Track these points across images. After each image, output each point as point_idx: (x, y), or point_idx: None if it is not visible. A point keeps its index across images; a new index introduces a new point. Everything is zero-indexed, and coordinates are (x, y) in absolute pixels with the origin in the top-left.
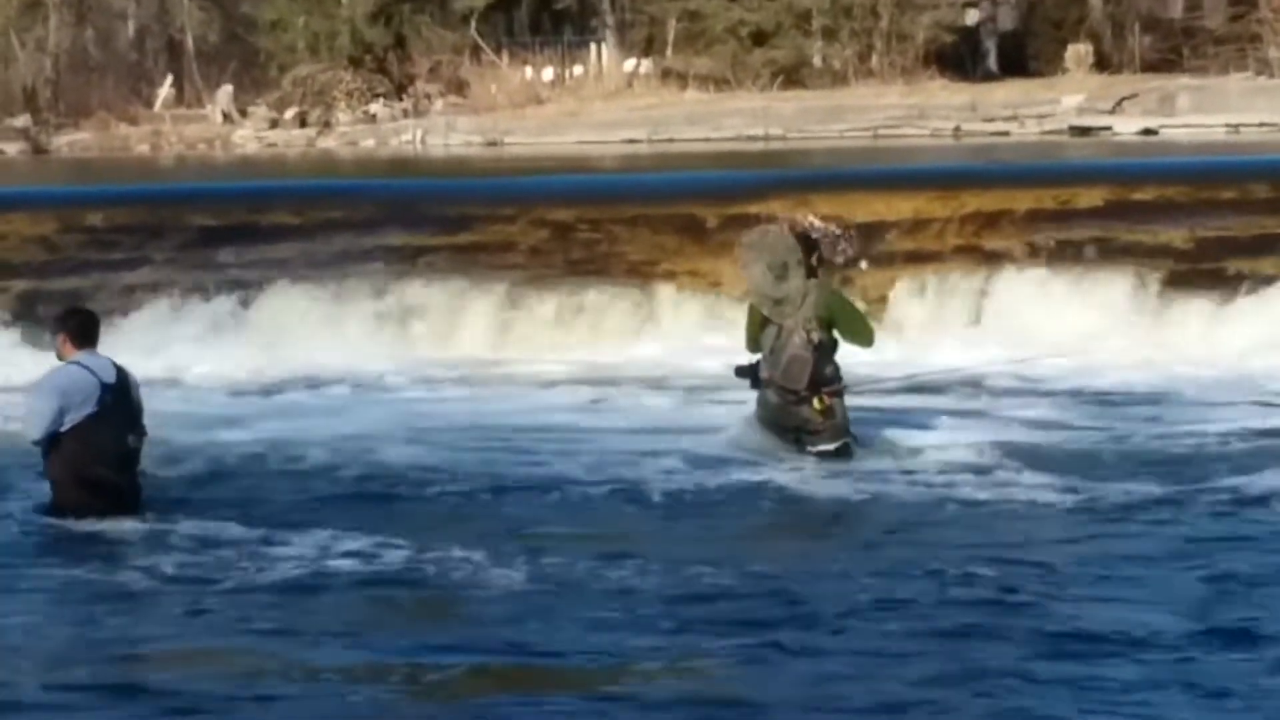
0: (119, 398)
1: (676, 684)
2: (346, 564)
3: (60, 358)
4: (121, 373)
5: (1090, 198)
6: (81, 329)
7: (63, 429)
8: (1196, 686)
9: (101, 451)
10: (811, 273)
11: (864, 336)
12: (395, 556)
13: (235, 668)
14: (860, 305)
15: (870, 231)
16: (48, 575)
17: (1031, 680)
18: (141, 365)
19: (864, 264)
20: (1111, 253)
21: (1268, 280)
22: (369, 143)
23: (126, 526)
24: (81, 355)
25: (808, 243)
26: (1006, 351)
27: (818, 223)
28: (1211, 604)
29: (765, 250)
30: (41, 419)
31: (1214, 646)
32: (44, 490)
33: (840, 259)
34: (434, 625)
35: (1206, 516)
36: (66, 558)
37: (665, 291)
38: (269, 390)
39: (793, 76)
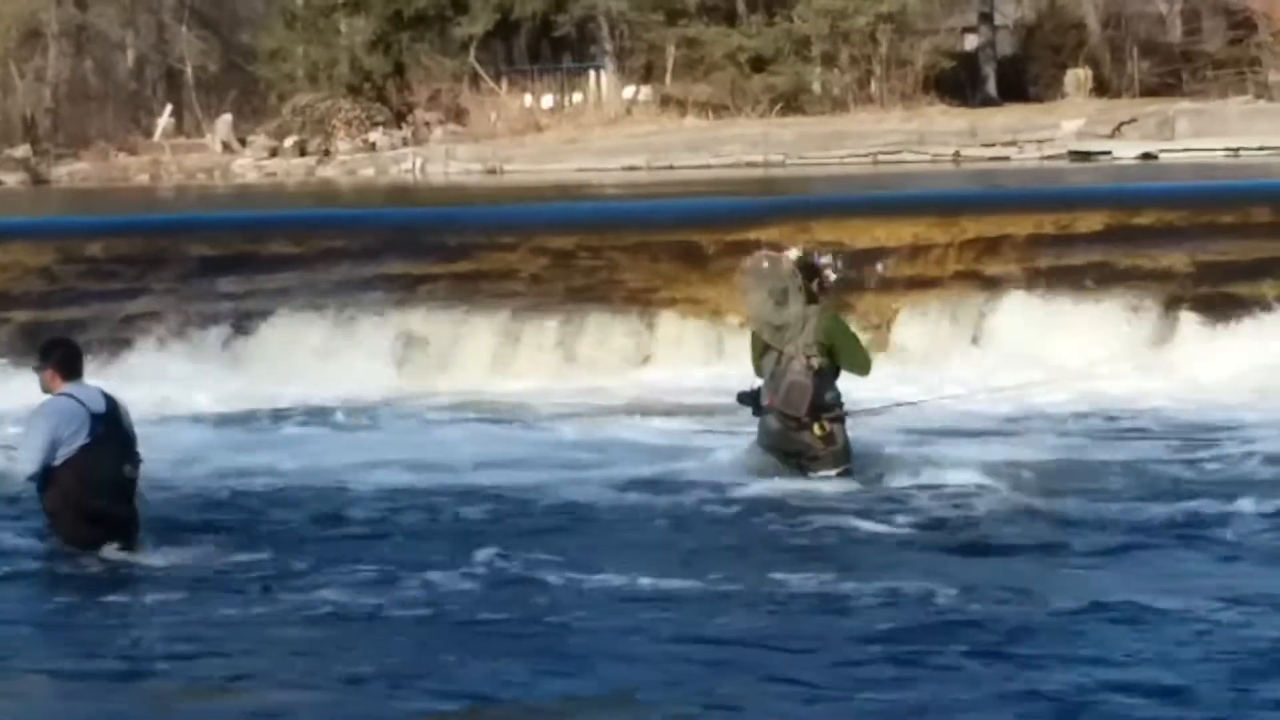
0: (111, 427)
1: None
2: (347, 594)
3: (46, 392)
4: (111, 401)
5: (1090, 222)
6: (66, 361)
7: (56, 462)
8: None
9: (99, 482)
10: (812, 299)
11: (861, 365)
12: (398, 586)
13: (239, 699)
14: (861, 331)
15: (870, 257)
16: (48, 608)
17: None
18: (141, 395)
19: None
20: (1111, 277)
21: (1268, 304)
22: (368, 171)
23: (126, 557)
24: (69, 387)
25: (808, 269)
26: (1008, 376)
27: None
28: (1229, 637)
29: (766, 276)
30: (33, 454)
31: (1240, 685)
32: (42, 523)
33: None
34: (442, 658)
35: (1206, 542)
36: (67, 590)
37: (665, 318)
38: (269, 419)
39: (792, 103)
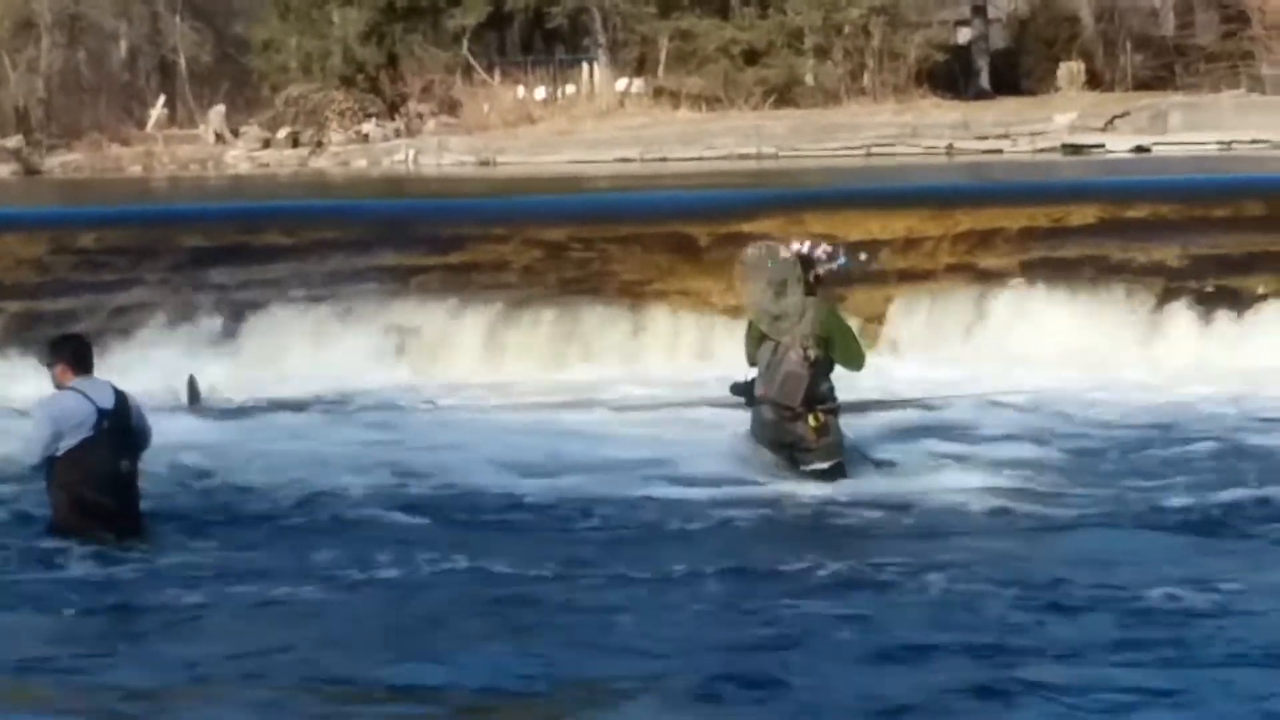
0: (116, 422)
1: (655, 710)
2: (338, 586)
3: (58, 386)
4: (121, 397)
5: (1083, 216)
6: (77, 356)
7: (58, 454)
8: None
9: (95, 475)
10: (810, 290)
11: (855, 360)
12: (389, 578)
13: (228, 691)
14: (854, 323)
15: (863, 250)
16: (44, 597)
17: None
18: (133, 386)
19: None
20: (1104, 270)
21: (1260, 298)
22: (361, 162)
23: (122, 549)
24: (79, 381)
25: (807, 261)
26: (1001, 369)
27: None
28: (1219, 626)
29: (765, 267)
30: (36, 445)
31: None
32: (46, 512)
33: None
34: (431, 648)
35: (1196, 534)
36: (63, 580)
37: (658, 310)
38: (262, 411)
39: (785, 95)
